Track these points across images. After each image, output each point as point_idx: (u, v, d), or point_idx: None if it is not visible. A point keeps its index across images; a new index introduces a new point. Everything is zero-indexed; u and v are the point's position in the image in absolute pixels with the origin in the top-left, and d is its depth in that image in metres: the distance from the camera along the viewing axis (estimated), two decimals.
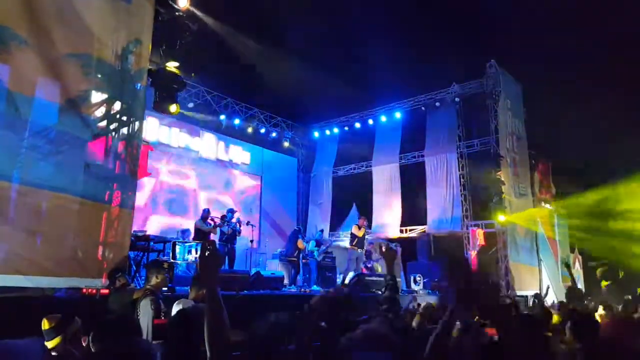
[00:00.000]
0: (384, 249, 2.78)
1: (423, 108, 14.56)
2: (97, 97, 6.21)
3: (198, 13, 8.27)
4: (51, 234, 5.29)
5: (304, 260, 11.55)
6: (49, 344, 3.13)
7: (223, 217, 10.28)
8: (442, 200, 13.85)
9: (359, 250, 11.42)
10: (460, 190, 13.67)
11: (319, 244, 11.71)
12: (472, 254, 12.86)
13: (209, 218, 10.09)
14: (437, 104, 14.20)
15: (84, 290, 5.25)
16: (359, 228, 11.45)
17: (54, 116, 5.71)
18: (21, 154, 5.31)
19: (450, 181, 13.80)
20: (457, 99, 13.89)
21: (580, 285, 16.16)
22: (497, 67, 13.24)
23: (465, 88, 13.86)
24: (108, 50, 6.11)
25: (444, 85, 14.11)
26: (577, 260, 17.12)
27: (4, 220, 5.01)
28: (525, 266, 13.03)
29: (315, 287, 10.27)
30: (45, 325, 3.17)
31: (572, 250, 16.91)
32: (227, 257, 9.88)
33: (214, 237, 9.77)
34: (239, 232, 10.39)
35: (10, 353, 3.55)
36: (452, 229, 13.51)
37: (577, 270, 17.11)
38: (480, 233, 13.08)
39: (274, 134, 15.97)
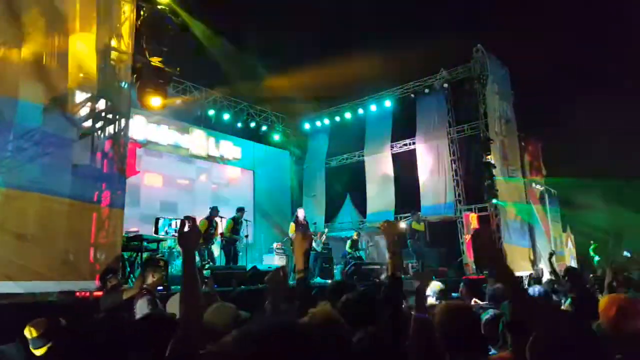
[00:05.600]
0: (384, 225, 2.56)
1: (412, 95, 14.51)
2: (81, 96, 6.10)
3: (179, 9, 8.11)
4: (41, 237, 5.20)
5: None
6: (38, 352, 2.88)
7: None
8: (434, 186, 13.86)
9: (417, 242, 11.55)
10: (452, 176, 13.70)
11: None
12: (467, 237, 12.92)
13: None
14: (426, 90, 14.17)
15: (78, 294, 5.17)
16: (419, 222, 11.67)
17: (39, 117, 5.59)
18: (7, 157, 5.21)
19: (442, 167, 13.80)
20: (445, 85, 13.85)
21: (574, 263, 16.37)
22: (484, 51, 13.20)
23: (453, 73, 13.82)
24: (89, 47, 5.98)
25: (433, 72, 14.08)
26: (569, 239, 17.30)
27: None
28: (517, 248, 13.07)
29: (318, 279, 10.25)
30: (31, 333, 2.90)
31: (565, 230, 17.07)
32: (231, 254, 9.90)
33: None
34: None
35: None
36: (446, 214, 13.53)
37: (571, 250, 17.31)
38: (473, 217, 13.13)
39: (264, 128, 15.86)
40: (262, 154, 16.02)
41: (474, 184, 13.15)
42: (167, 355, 1.72)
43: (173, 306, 4.01)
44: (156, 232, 8.64)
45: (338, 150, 16.64)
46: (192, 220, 1.92)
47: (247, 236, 11.27)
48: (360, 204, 15.82)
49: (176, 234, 8.91)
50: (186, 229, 1.87)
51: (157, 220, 8.85)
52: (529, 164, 15.45)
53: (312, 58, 13.35)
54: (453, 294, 6.14)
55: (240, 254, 10.69)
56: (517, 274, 12.25)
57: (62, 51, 5.68)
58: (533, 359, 1.63)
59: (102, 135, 6.00)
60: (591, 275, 8.19)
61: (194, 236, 1.91)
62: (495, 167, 12.53)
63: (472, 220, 13.05)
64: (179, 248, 9.35)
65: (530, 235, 13.94)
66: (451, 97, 14.13)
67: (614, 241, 15.83)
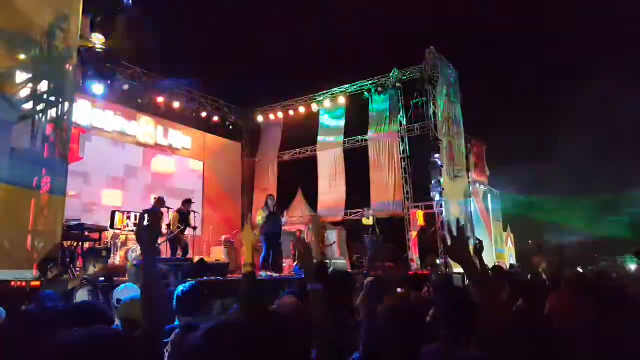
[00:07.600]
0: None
1: (366, 93, 14.77)
2: (22, 76, 5.75)
3: None
4: None
5: None
6: None
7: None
8: (385, 183, 14.21)
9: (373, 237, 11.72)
10: (402, 174, 14.09)
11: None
12: (413, 234, 13.36)
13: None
14: (379, 88, 14.46)
15: (13, 283, 4.90)
16: (368, 218, 11.90)
17: None
18: None
19: (392, 164, 14.18)
20: (398, 85, 14.20)
21: (513, 261, 17.36)
22: (436, 53, 13.65)
23: (406, 73, 14.20)
24: (33, 25, 5.64)
25: (387, 71, 14.39)
26: (509, 238, 18.29)
27: None
28: None
29: (262, 274, 10.19)
30: None
31: (505, 229, 18.02)
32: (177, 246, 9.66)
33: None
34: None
35: None
36: (395, 211, 13.91)
37: (510, 248, 18.32)
38: (420, 214, 13.58)
39: (216, 118, 15.57)
40: (214, 144, 15.76)
41: (422, 182, 13.60)
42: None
43: (122, 294, 3.94)
44: (112, 226, 8.32)
45: (291, 144, 16.63)
46: (152, 214, 1.85)
47: (195, 228, 11.07)
48: (312, 199, 15.93)
49: (134, 229, 8.59)
50: (145, 223, 1.75)
51: (114, 213, 8.51)
52: (474, 165, 16.16)
53: (267, 49, 13.27)
54: (398, 289, 6.41)
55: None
56: (459, 270, 12.93)
57: (2, 27, 5.32)
58: None
59: (43, 119, 5.67)
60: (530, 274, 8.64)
61: (153, 231, 1.81)
62: (442, 166, 13.03)
63: (419, 217, 13.50)
64: (122, 238, 9.08)
65: (472, 232, 14.59)
66: (403, 97, 14.50)
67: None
